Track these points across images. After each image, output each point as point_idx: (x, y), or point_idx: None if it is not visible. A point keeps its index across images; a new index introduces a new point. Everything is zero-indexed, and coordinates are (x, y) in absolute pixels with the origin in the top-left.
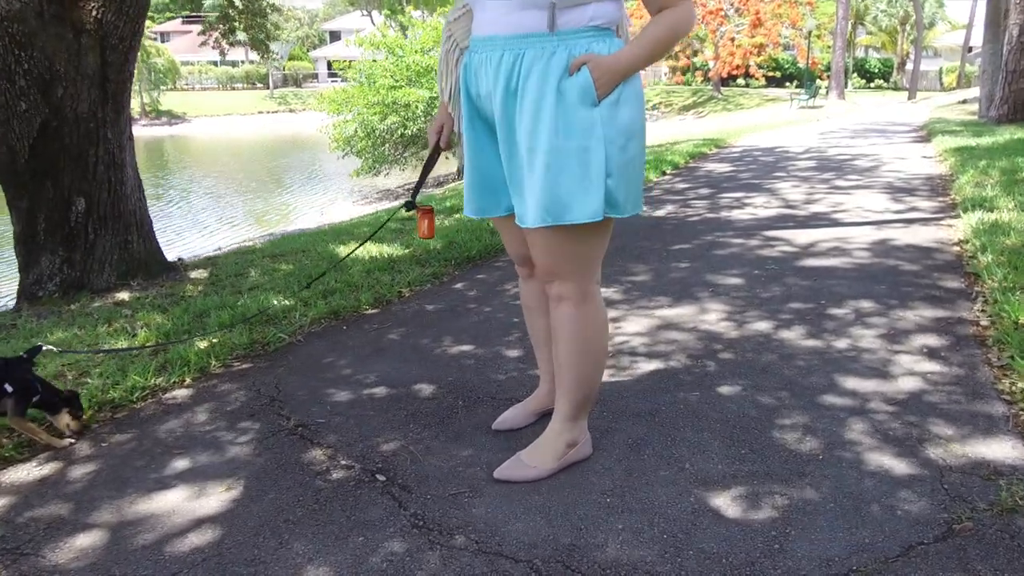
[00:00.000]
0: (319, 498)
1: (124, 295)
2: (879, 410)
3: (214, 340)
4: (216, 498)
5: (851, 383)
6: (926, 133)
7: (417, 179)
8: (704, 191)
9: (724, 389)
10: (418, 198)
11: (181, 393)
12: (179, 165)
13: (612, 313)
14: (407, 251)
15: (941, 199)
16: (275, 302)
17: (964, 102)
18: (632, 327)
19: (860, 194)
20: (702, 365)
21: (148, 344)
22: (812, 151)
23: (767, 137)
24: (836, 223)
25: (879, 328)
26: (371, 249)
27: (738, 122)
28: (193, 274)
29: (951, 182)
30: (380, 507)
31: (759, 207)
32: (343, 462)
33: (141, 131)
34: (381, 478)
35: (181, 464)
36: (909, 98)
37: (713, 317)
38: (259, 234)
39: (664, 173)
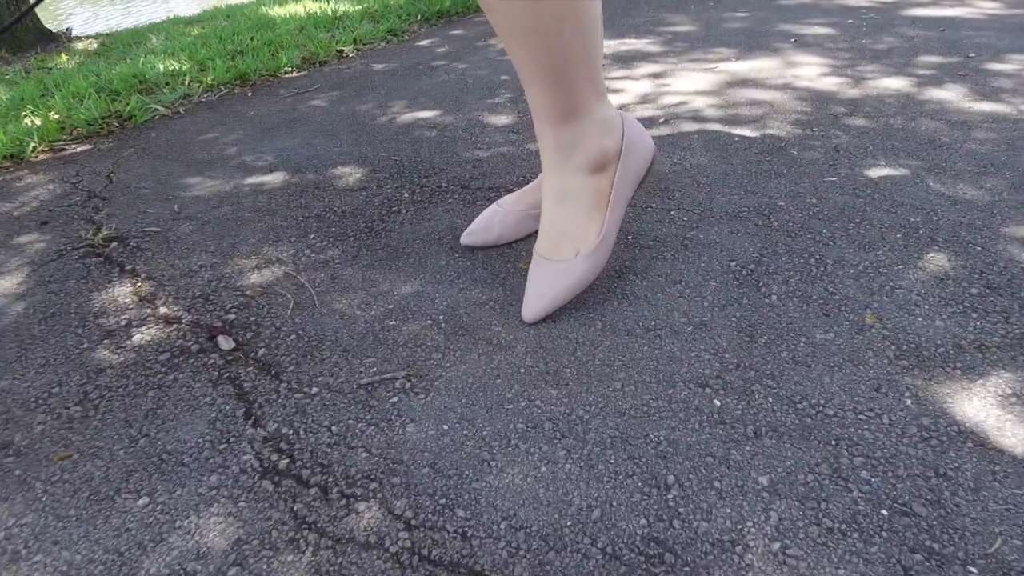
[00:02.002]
0: (88, 393)
1: None
2: None
3: (53, 115)
4: None
5: None
6: None
7: None
8: None
9: (878, 172)
10: None
11: None
12: None
13: (651, 67)
14: (358, 7)
15: None
16: (160, 67)
17: None
18: (687, 83)
19: None
20: (824, 135)
21: None
22: None
23: None
24: None
25: None
26: (309, 5)
27: None
28: (80, 45)
29: None
30: (205, 418)
31: None
32: (162, 309)
33: None
34: (225, 346)
35: None
36: None
37: (810, 72)
38: None
39: None
